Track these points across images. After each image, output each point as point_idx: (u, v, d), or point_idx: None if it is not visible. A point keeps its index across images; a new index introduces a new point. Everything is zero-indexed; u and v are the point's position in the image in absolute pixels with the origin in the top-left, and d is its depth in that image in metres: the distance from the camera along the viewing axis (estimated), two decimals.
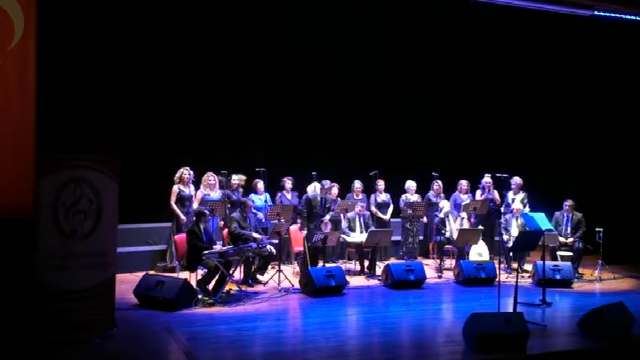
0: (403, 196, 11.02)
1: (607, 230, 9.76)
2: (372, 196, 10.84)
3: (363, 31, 11.83)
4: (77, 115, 9.60)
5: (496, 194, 10.99)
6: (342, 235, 9.88)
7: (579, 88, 12.50)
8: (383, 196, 10.90)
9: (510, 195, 10.76)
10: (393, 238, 10.39)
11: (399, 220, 11.05)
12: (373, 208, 10.72)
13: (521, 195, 10.74)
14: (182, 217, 9.24)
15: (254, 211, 9.61)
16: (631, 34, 11.64)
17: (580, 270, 9.97)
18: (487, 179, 10.93)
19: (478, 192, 11.05)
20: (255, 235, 8.71)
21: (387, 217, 10.84)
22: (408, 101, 12.47)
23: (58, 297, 5.99)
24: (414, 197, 10.99)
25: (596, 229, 9.77)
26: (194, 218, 8.40)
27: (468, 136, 12.82)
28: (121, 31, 10.04)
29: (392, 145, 12.40)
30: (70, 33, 9.38)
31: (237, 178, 10.27)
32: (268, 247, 8.64)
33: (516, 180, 10.76)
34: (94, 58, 9.83)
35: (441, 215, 10.29)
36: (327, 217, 9.72)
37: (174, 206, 9.30)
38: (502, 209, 10.54)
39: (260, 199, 9.98)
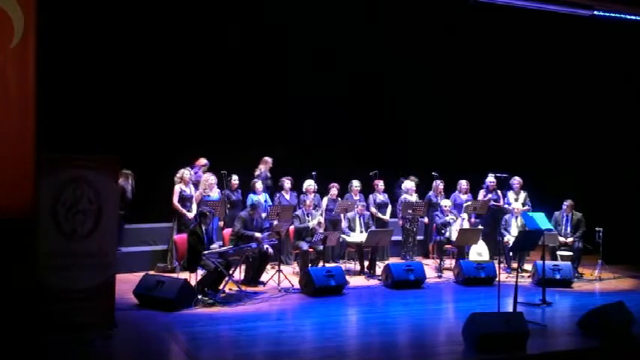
0: (402, 197, 11.02)
1: (607, 230, 9.75)
2: (371, 197, 10.84)
3: (363, 32, 11.84)
4: (77, 115, 9.60)
5: (500, 194, 11.00)
6: (342, 235, 9.88)
7: (579, 88, 12.50)
8: (382, 197, 10.89)
9: (512, 195, 10.76)
10: (393, 238, 10.39)
11: (396, 220, 11.05)
12: (373, 209, 10.72)
13: (522, 195, 10.75)
14: (187, 214, 9.22)
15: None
16: (631, 34, 11.65)
17: (580, 270, 9.97)
18: (491, 179, 10.91)
19: (481, 192, 11.04)
20: (256, 234, 8.73)
21: (387, 217, 10.84)
22: (407, 101, 12.48)
23: (58, 297, 5.98)
24: (414, 197, 10.98)
25: (596, 229, 9.77)
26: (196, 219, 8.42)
27: (468, 136, 12.83)
28: (120, 32, 10.05)
29: (392, 145, 12.40)
30: (70, 33, 9.39)
31: (411, 182, 10.80)
32: (266, 246, 8.65)
33: (518, 180, 10.77)
34: (93, 58, 9.84)
35: (447, 219, 10.25)
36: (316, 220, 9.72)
37: (178, 205, 9.30)
38: (504, 208, 10.57)
39: (259, 199, 9.98)
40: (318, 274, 8.32)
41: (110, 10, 9.89)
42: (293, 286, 8.61)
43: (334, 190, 10.56)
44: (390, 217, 10.99)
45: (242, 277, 8.71)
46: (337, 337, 6.64)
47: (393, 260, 10.40)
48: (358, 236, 9.81)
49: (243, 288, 8.40)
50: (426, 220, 11.00)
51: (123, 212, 9.25)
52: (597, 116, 12.27)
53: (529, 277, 9.56)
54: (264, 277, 8.92)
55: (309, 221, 9.57)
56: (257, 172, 10.41)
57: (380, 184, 10.88)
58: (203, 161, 10.02)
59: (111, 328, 6.29)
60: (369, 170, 10.95)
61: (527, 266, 9.99)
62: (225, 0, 10.96)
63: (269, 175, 10.47)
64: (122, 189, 9.19)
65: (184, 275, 8.13)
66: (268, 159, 10.54)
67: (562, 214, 10.17)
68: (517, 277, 7.53)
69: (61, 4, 8.57)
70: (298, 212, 9.62)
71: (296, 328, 6.99)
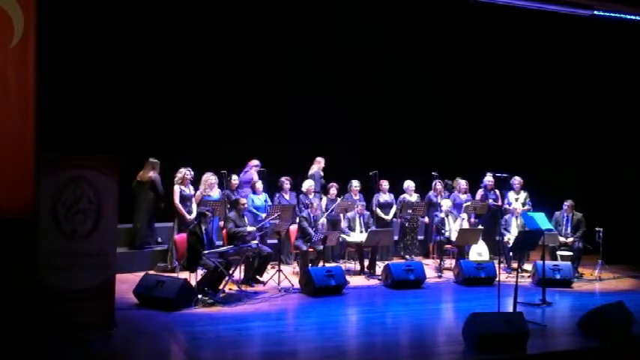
0: (401, 197, 11.01)
1: (607, 230, 9.75)
2: (375, 196, 10.83)
3: (362, 32, 11.83)
4: (77, 115, 9.61)
5: (498, 193, 11.00)
6: (342, 235, 9.88)
7: (579, 88, 12.49)
8: (386, 196, 10.87)
9: (512, 195, 10.76)
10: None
11: (396, 219, 11.05)
12: (375, 208, 10.70)
13: (522, 195, 10.75)
14: (187, 216, 9.24)
15: (255, 211, 9.64)
16: (631, 34, 11.64)
17: (580, 270, 9.96)
18: (489, 178, 10.91)
19: (479, 191, 11.03)
20: (248, 228, 8.77)
21: (390, 217, 10.84)
22: (407, 101, 12.47)
23: (58, 297, 5.99)
24: (414, 197, 10.98)
25: (596, 229, 9.77)
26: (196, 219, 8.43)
27: (468, 136, 12.82)
28: (121, 32, 10.06)
29: (392, 145, 12.40)
30: (70, 33, 9.39)
31: (461, 182, 10.97)
32: (255, 241, 8.64)
33: (518, 180, 10.78)
34: (94, 57, 9.85)
35: (442, 215, 10.26)
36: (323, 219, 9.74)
37: (180, 205, 9.31)
38: (504, 208, 10.57)
39: (260, 199, 9.98)
40: (318, 274, 8.32)
41: (110, 9, 9.89)
42: (293, 285, 8.61)
43: (333, 190, 10.56)
44: (394, 217, 10.99)
45: (242, 276, 8.71)
46: (337, 337, 6.65)
47: (395, 260, 10.41)
48: (358, 236, 9.81)
49: (243, 288, 8.40)
50: (426, 219, 11.00)
51: (161, 204, 9.49)
52: (597, 116, 12.26)
53: (529, 277, 9.56)
54: (264, 277, 8.92)
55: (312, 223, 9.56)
56: (310, 172, 10.64)
57: (384, 183, 10.86)
58: (255, 162, 10.24)
59: (111, 328, 6.29)
60: (369, 170, 10.94)
61: (527, 266, 9.99)
62: (225, 0, 10.96)
63: (322, 174, 10.66)
64: (152, 181, 9.35)
65: (184, 275, 8.13)
66: (321, 159, 10.77)
67: (562, 214, 10.17)
68: (517, 277, 7.54)
69: (61, 4, 8.57)
70: (304, 213, 9.60)
71: (296, 328, 6.99)
